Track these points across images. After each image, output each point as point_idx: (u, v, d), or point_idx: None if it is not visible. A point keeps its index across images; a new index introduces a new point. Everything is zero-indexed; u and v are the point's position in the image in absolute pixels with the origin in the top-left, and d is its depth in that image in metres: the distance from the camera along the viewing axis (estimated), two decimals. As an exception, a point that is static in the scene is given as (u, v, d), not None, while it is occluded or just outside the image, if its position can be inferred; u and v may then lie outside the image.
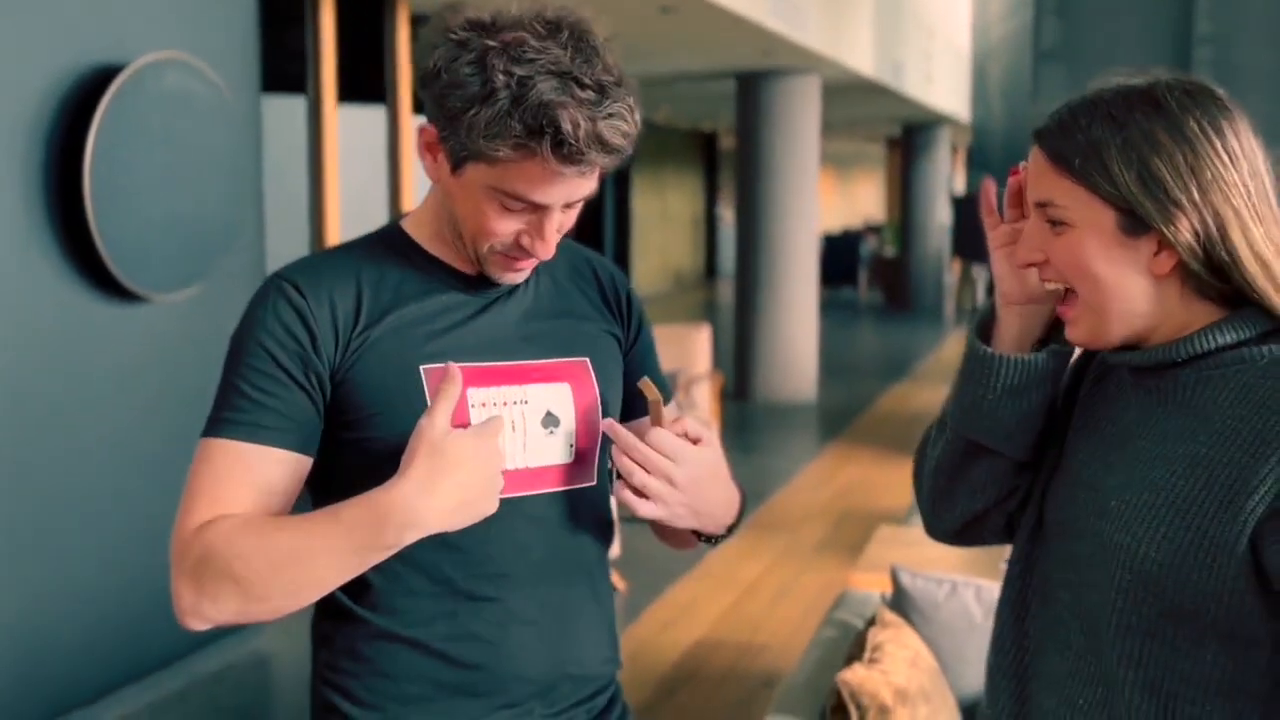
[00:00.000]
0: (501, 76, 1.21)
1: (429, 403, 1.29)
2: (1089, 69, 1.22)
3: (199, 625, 1.27)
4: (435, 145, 1.30)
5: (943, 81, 14.12)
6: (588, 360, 1.43)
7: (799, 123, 9.53)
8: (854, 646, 2.30)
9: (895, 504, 6.40)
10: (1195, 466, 1.14)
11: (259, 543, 1.23)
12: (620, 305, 1.52)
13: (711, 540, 1.47)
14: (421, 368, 1.33)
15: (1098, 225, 1.16)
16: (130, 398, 3.72)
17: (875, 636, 2.25)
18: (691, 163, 21.34)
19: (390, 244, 1.40)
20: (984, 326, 1.34)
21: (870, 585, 2.75)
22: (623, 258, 18.28)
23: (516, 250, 1.32)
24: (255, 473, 1.28)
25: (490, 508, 1.26)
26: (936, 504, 1.39)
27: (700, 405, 6.91)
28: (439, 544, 1.30)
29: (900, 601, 2.45)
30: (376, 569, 1.30)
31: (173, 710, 3.85)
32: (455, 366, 1.26)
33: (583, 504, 1.42)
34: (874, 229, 22.62)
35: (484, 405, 1.34)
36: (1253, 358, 1.15)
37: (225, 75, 4.14)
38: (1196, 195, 1.12)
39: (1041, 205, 1.20)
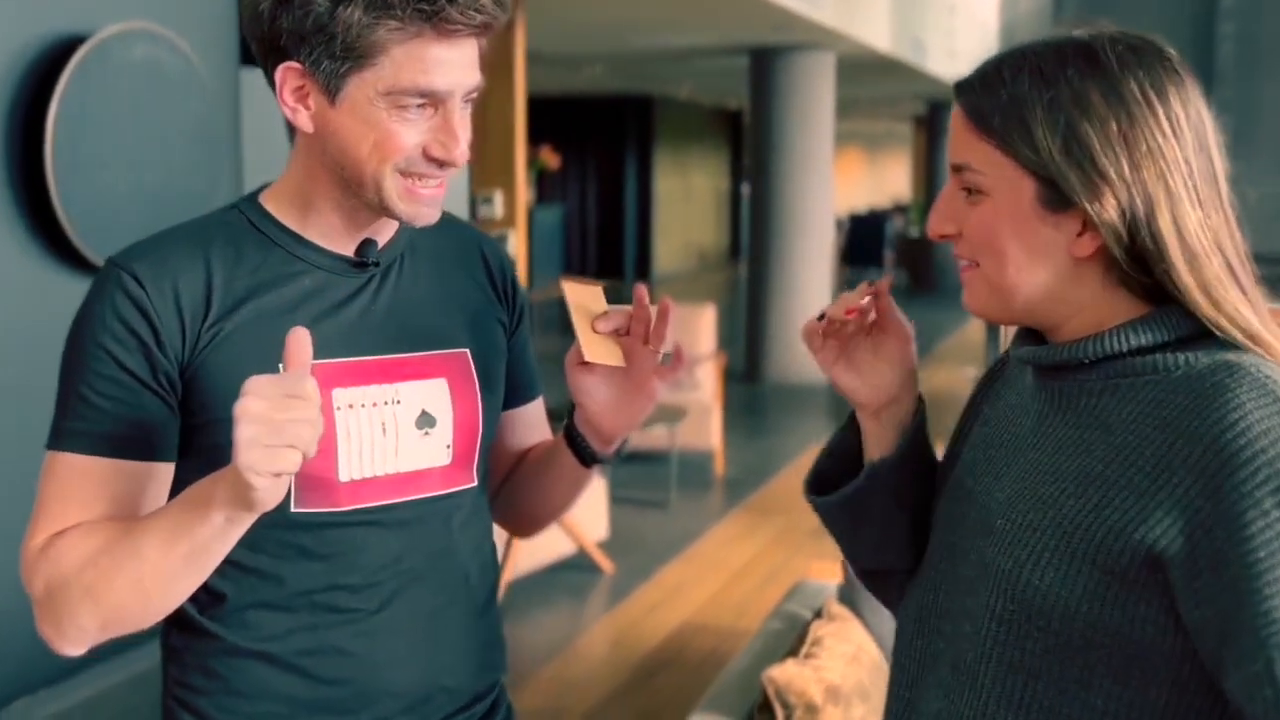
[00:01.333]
0: None
1: None
2: None
3: (73, 650, 1.16)
4: (303, 86, 1.18)
5: (967, 57, 13.88)
6: (468, 353, 1.33)
7: (813, 99, 9.39)
8: (796, 640, 2.21)
9: (897, 488, 6.27)
10: (1088, 485, 1.01)
11: (101, 543, 1.14)
12: (507, 290, 1.41)
13: (597, 460, 1.38)
14: (280, 365, 1.19)
15: (1015, 196, 1.03)
16: (97, 374, 3.66)
17: (817, 630, 2.17)
18: (715, 140, 21.14)
19: (248, 221, 1.26)
20: (835, 454, 1.26)
21: (827, 575, 2.66)
22: (645, 237, 18.15)
23: (424, 165, 1.18)
24: (106, 488, 1.18)
25: (297, 456, 1.05)
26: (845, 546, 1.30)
27: (704, 386, 6.81)
28: (297, 552, 1.22)
29: (850, 594, 2.36)
30: (226, 578, 1.21)
31: None
32: (301, 331, 1.07)
33: (461, 507, 1.33)
34: (901, 209, 22.38)
35: (351, 407, 1.23)
36: (1167, 367, 1.01)
37: (199, 46, 4.06)
38: (1127, 169, 0.98)
39: (957, 169, 1.07)
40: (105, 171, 3.62)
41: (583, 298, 1.28)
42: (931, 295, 16.21)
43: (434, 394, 1.29)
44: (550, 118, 14.08)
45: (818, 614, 2.32)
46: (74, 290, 3.72)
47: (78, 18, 3.58)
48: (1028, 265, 1.04)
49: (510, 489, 1.47)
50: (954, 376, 9.97)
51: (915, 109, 18.40)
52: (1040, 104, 1.00)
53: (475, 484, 1.35)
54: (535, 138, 11.18)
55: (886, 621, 2.34)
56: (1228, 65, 5.79)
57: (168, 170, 3.86)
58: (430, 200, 1.22)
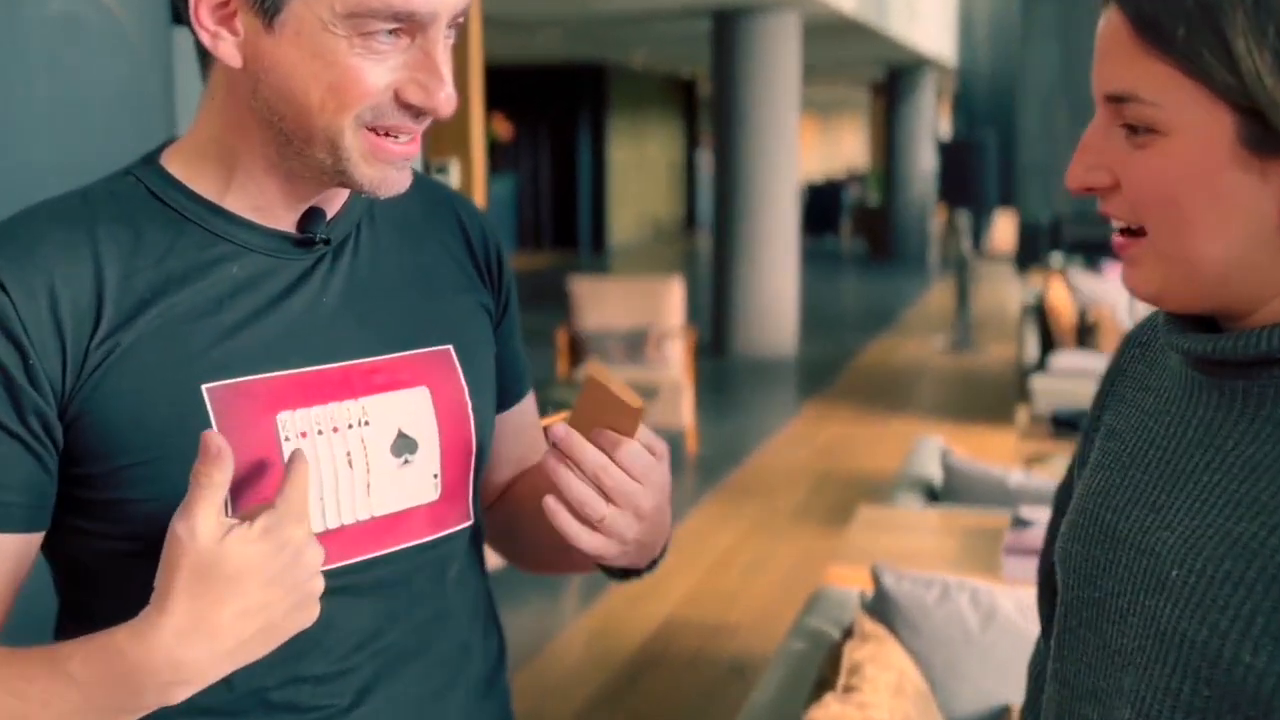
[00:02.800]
0: None
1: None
2: (1083, 8, 0.75)
3: None
4: (224, 2, 0.86)
5: (928, 20, 13.66)
6: (451, 350, 1.01)
7: (778, 64, 9.10)
8: (827, 666, 1.92)
9: (877, 465, 6.04)
10: None
11: None
12: (491, 266, 1.09)
13: (627, 575, 1.07)
14: (205, 388, 0.89)
15: (1207, 135, 0.76)
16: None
17: (853, 654, 1.88)
18: (670, 110, 20.85)
19: (146, 190, 0.93)
20: None
21: (849, 581, 2.37)
22: (599, 208, 17.84)
23: (398, 115, 0.88)
24: None
25: (307, 619, 0.85)
26: None
27: (673, 362, 6.53)
28: None
29: (882, 605, 2.08)
30: None
31: None
32: (216, 438, 0.81)
33: (456, 556, 1.02)
34: (857, 177, 22.24)
35: (304, 435, 0.91)
36: None
37: (125, 2, 3.68)
38: None
39: (1117, 100, 0.78)
40: (17, 138, 3.27)
41: (595, 401, 0.93)
42: (890, 263, 16.04)
43: (413, 408, 0.98)
44: (502, 86, 13.68)
45: (847, 632, 2.03)
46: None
47: (-16, -35, 3.23)
48: (1220, 229, 0.77)
49: (507, 517, 1.16)
50: (920, 347, 9.78)
51: (873, 74, 18.17)
52: (1242, 5, 0.73)
53: (471, 522, 1.04)
54: (487, 106, 10.77)
55: (924, 638, 2.06)
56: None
57: (91, 137, 3.51)
58: (403, 160, 0.91)
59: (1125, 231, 0.82)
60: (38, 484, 0.88)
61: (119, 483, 0.88)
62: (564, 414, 0.95)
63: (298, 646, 0.89)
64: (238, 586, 0.80)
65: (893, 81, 16.17)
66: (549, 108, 17.37)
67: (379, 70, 0.86)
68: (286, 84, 0.87)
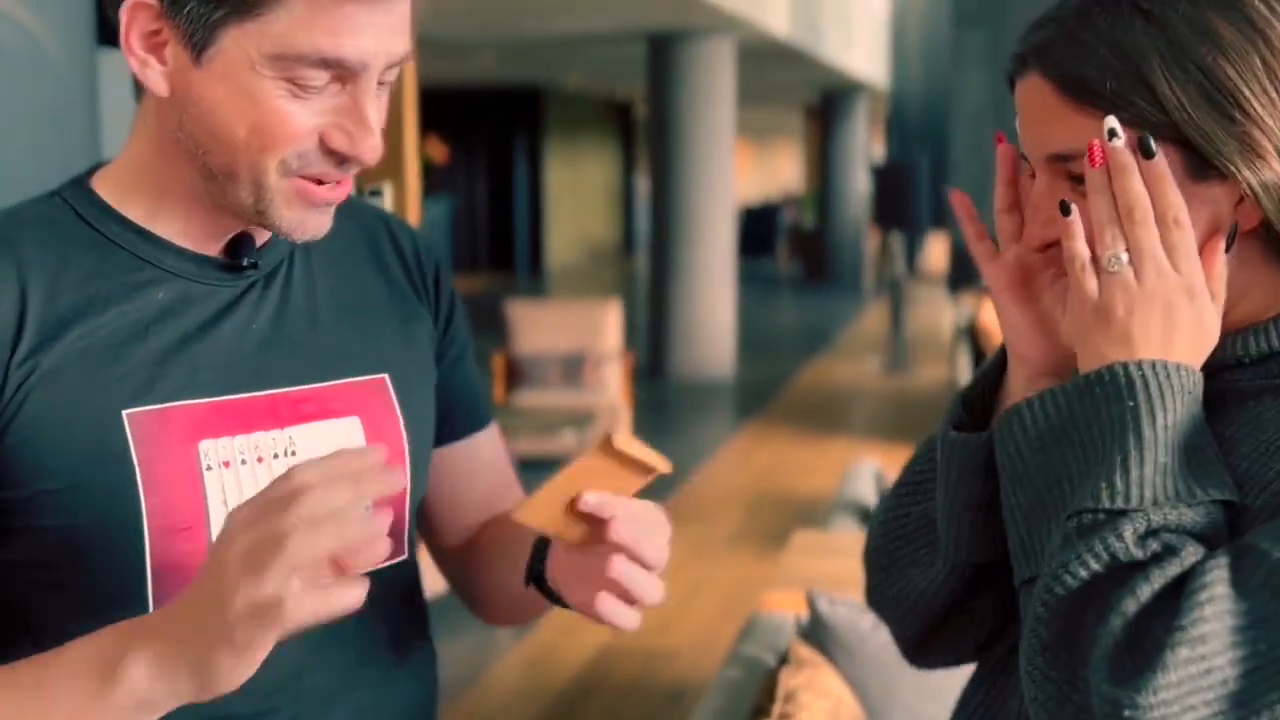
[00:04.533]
0: None
1: (137, 468, 0.85)
2: (1013, 33, 0.80)
3: None
4: (159, 32, 0.85)
5: (861, 45, 13.84)
6: (386, 378, 0.99)
7: (713, 87, 9.17)
8: (762, 694, 1.91)
9: (813, 487, 6.06)
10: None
11: None
12: (429, 285, 1.07)
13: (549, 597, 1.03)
14: (125, 413, 0.88)
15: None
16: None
17: (788, 681, 1.87)
18: (606, 133, 20.92)
19: (73, 213, 0.92)
20: (969, 404, 0.94)
21: (785, 607, 2.36)
22: (536, 231, 17.83)
23: (322, 161, 0.87)
24: None
25: (281, 617, 0.73)
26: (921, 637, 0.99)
27: (610, 387, 6.51)
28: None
29: (818, 631, 2.07)
30: None
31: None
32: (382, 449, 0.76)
33: (387, 592, 0.98)
34: (793, 200, 22.46)
35: (227, 465, 0.90)
36: None
37: (48, 23, 3.61)
38: None
39: (1061, 159, 0.82)
40: (-65, 162, 3.19)
41: (602, 465, 0.86)
42: (826, 285, 16.19)
43: (343, 439, 0.95)
44: (436, 109, 13.62)
45: (783, 659, 2.02)
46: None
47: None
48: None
49: (473, 567, 1.12)
50: (856, 369, 9.86)
51: (807, 98, 18.37)
52: (1157, 51, 0.78)
53: (405, 555, 1.01)
54: (421, 129, 10.72)
55: (859, 663, 2.06)
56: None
57: (12, 161, 3.44)
58: (326, 205, 0.90)
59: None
60: None
61: (37, 509, 0.86)
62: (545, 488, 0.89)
63: (237, 700, 0.83)
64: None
65: (826, 105, 16.37)
66: (484, 130, 17.34)
67: (304, 114, 0.86)
68: (211, 119, 0.86)
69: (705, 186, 9.17)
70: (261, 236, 0.96)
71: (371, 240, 1.05)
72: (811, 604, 2.10)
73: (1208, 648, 0.71)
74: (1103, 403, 0.78)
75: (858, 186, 16.07)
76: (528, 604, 1.04)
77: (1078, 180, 0.82)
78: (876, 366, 9.86)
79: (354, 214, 1.03)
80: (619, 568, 0.87)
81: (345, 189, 0.91)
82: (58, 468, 0.86)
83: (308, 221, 0.90)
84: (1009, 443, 0.83)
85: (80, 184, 0.94)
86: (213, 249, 0.94)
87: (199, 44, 0.84)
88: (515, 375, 6.45)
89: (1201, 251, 0.79)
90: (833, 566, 2.72)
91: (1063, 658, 0.75)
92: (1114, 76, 0.79)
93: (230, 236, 0.94)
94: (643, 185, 21.72)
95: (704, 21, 8.70)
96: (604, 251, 20.73)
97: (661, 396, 8.73)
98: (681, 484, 6.34)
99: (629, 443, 0.85)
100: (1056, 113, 0.82)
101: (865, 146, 16.78)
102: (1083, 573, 0.75)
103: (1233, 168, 0.77)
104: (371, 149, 0.86)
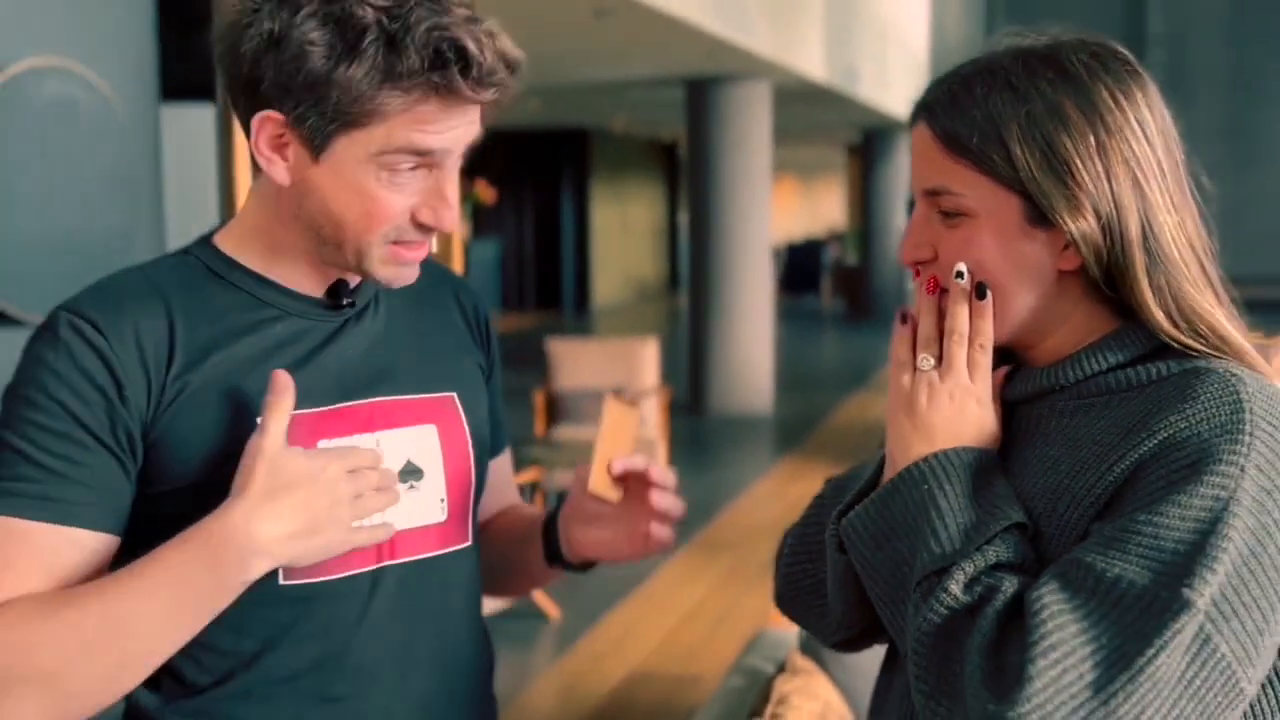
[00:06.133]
0: (367, 11, 1.01)
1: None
2: None
3: None
4: (283, 136, 1.06)
5: (899, 86, 14.00)
6: (454, 397, 1.21)
7: (750, 129, 9.37)
8: (759, 699, 2.09)
9: (846, 520, 6.19)
10: (1056, 499, 0.97)
11: (63, 620, 1.00)
12: (482, 331, 1.31)
13: (566, 567, 1.30)
14: (259, 420, 1.08)
15: (1000, 215, 0.99)
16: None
17: (781, 687, 2.05)
18: (651, 172, 21.17)
19: (205, 267, 1.14)
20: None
21: (788, 623, 2.53)
22: (583, 270, 18.07)
23: (412, 233, 1.09)
24: (46, 558, 1.04)
25: (341, 540, 1.06)
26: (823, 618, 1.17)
27: (648, 421, 6.69)
28: (283, 631, 1.10)
29: (813, 643, 2.24)
30: (197, 662, 1.09)
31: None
32: (283, 374, 1.05)
33: (458, 571, 1.20)
34: (837, 236, 22.57)
35: None
36: (1140, 381, 0.99)
37: (117, 82, 3.89)
38: (1106, 180, 0.96)
39: (932, 194, 1.02)
40: (15, 214, 3.44)
41: (617, 423, 1.20)
42: (869, 321, 16.28)
43: (420, 442, 1.17)
44: (485, 152, 13.91)
45: (780, 667, 2.20)
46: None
47: (-16, 54, 3.42)
48: (1014, 285, 1.01)
49: (490, 552, 1.35)
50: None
51: (849, 137, 18.53)
52: (1017, 120, 0.97)
53: (470, 543, 1.23)
54: (469, 172, 11.01)
55: (851, 673, 2.23)
56: (1159, 90, 5.83)
57: (83, 213, 3.69)
58: (413, 263, 1.13)
59: (943, 292, 1.04)
60: (118, 489, 1.07)
61: (186, 498, 1.07)
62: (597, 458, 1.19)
63: (329, 640, 1.11)
64: (293, 485, 1.03)
65: (867, 144, 16.51)
66: (532, 172, 17.64)
67: (399, 198, 1.07)
68: (326, 205, 1.08)
69: (743, 225, 9.35)
70: (354, 279, 1.18)
71: (440, 290, 1.28)
72: (808, 618, 2.27)
73: (1059, 653, 0.86)
74: (907, 494, 0.98)
75: (899, 223, 16.19)
76: (533, 579, 1.38)
77: (946, 214, 1.02)
78: (915, 402, 9.94)
79: (426, 268, 1.23)
80: (664, 500, 1.19)
81: (427, 248, 1.13)
82: (202, 464, 1.08)
83: (400, 275, 1.12)
84: (853, 549, 1.02)
85: (206, 242, 1.17)
86: (317, 291, 1.16)
87: (317, 148, 1.05)
88: (555, 410, 6.64)
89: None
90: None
91: (944, 703, 0.92)
92: (980, 136, 0.98)
93: (331, 282, 1.17)
94: (687, 222, 21.98)
95: (740, 67, 8.91)
96: (649, 289, 20.95)
97: (700, 431, 8.90)
98: (716, 515, 6.50)
99: (619, 398, 1.22)
100: (935, 157, 1.01)
101: (907, 184, 16.87)
102: (931, 626, 0.92)
103: (1061, 220, 0.96)
104: (452, 221, 1.09)
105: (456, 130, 1.06)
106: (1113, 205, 0.96)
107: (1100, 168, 0.96)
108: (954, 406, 1.00)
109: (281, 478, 1.02)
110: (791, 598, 1.19)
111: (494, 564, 1.33)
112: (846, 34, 11.15)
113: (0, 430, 1.06)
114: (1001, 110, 0.98)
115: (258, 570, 1.02)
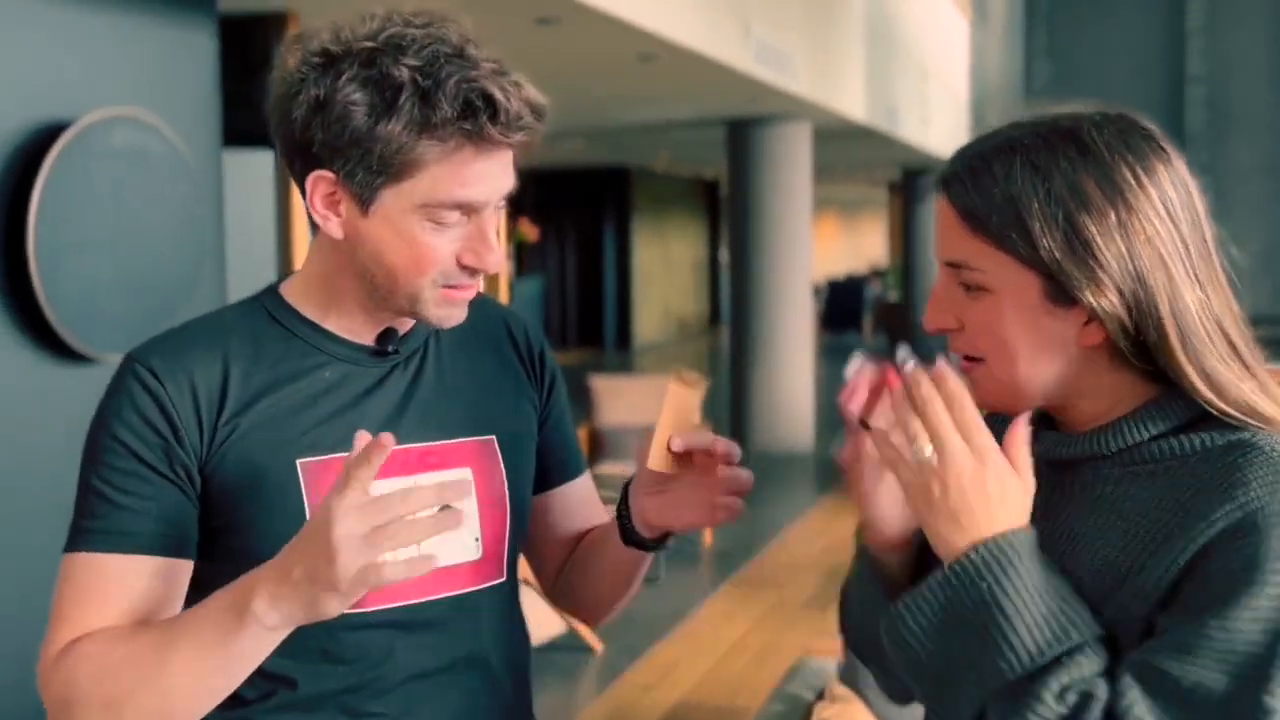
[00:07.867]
0: (402, 71, 1.10)
1: (306, 503, 1.17)
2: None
3: None
4: (335, 194, 1.17)
5: (940, 124, 14.08)
6: (494, 439, 1.29)
7: (791, 169, 9.46)
8: (799, 724, 2.16)
9: (887, 556, 6.22)
10: (1105, 574, 0.99)
11: (124, 653, 1.10)
12: (536, 364, 1.39)
13: (644, 545, 1.33)
14: (299, 461, 1.18)
15: (1020, 292, 1.00)
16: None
17: (821, 713, 2.12)
18: (693, 209, 21.29)
19: (268, 314, 1.25)
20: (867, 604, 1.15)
21: (829, 652, 2.61)
22: (624, 307, 18.19)
23: (459, 275, 1.18)
24: (123, 588, 1.14)
25: (331, 578, 1.02)
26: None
27: (690, 457, 6.76)
28: (320, 657, 1.19)
29: (852, 673, 2.32)
30: (248, 683, 1.16)
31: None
32: (366, 436, 1.04)
33: (489, 605, 1.28)
34: (878, 273, 22.58)
35: None
36: (1184, 451, 1.00)
37: (183, 130, 4.07)
38: (1128, 259, 0.97)
39: (954, 266, 1.04)
40: (88, 257, 3.60)
41: (678, 402, 1.25)
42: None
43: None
44: (528, 190, 14.16)
45: (820, 694, 2.27)
46: (55, 377, 3.70)
47: (61, 104, 3.59)
48: (1036, 359, 1.02)
49: (569, 574, 1.43)
50: (938, 441, 9.94)
51: (890, 175, 18.60)
52: (1036, 199, 0.98)
53: (505, 579, 1.31)
54: (513, 210, 11.21)
55: (889, 703, 2.30)
56: (1198, 128, 5.87)
57: (152, 255, 3.85)
58: (462, 303, 1.22)
59: (969, 359, 1.07)
60: (181, 516, 1.16)
61: (237, 531, 1.17)
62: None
63: (362, 666, 1.20)
64: (299, 541, 1.05)
65: (908, 181, 16.57)
66: (574, 209, 17.80)
67: (444, 243, 1.16)
68: (377, 254, 1.17)
69: (784, 263, 9.42)
70: (403, 326, 1.27)
71: (492, 329, 1.36)
72: (847, 648, 2.35)
73: None
74: (964, 592, 0.96)
75: (941, 261, 16.17)
76: (623, 575, 1.35)
77: (967, 288, 1.03)
78: (956, 439, 9.94)
79: (479, 307, 1.32)
80: (733, 473, 1.25)
81: (475, 289, 1.22)
82: (249, 500, 1.17)
83: (450, 316, 1.20)
84: (899, 649, 1.01)
85: (273, 291, 1.27)
86: (368, 339, 1.25)
87: (365, 201, 1.15)
88: (598, 446, 6.72)
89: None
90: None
91: None
92: (999, 215, 0.98)
93: (381, 329, 1.26)
94: (727, 259, 22.06)
95: (781, 108, 9.01)
96: (692, 325, 21.03)
97: (742, 468, 8.92)
98: (758, 552, 6.55)
99: (687, 372, 1.25)
100: (955, 230, 1.02)
101: (948, 222, 16.88)
102: None
103: (1084, 298, 0.97)
104: (495, 262, 1.18)
105: (493, 180, 1.15)
106: (1137, 283, 0.97)
107: (1122, 246, 0.97)
108: (974, 487, 0.97)
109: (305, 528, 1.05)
110: (865, 656, 1.23)
111: (586, 576, 1.40)
112: (887, 74, 11.25)
113: (82, 474, 1.18)
114: (1021, 189, 0.98)
115: (271, 642, 1.08)
